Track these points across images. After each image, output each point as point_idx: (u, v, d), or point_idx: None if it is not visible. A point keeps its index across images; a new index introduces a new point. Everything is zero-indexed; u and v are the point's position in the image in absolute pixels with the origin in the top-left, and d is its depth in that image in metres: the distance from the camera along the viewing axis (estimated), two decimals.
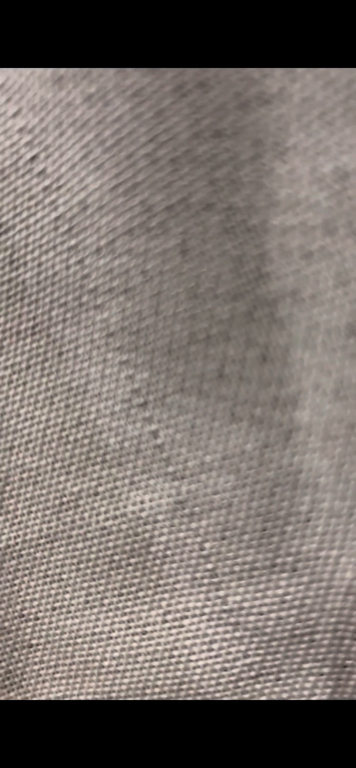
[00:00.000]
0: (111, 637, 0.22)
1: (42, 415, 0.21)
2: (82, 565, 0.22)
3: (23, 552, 0.22)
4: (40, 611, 0.22)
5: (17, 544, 0.22)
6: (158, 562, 0.21)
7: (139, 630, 0.22)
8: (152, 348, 0.19)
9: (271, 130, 0.16)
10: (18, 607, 0.23)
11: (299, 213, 0.17)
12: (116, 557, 0.21)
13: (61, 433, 0.21)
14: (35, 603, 0.22)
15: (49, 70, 0.18)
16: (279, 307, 0.17)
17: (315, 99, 0.16)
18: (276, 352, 0.18)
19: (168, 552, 0.21)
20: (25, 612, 0.23)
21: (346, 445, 0.18)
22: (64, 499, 0.21)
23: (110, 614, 0.22)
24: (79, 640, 0.22)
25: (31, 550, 0.22)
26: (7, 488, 0.22)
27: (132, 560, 0.21)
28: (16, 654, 0.23)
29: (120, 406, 0.20)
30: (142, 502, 0.21)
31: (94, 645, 0.22)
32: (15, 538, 0.22)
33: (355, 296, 0.17)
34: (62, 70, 0.18)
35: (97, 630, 0.22)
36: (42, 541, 0.22)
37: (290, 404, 0.18)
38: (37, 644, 0.23)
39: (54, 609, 0.22)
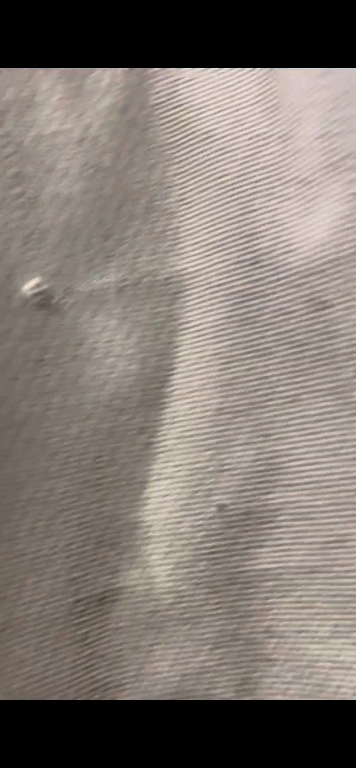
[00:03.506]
0: (352, 668, 0.23)
1: (325, 462, 0.23)
2: (337, 599, 0.23)
3: (281, 577, 0.24)
4: (286, 632, 0.24)
5: (278, 568, 0.24)
6: None
7: None
8: None
9: None
10: (265, 624, 0.24)
11: None
12: None
13: (340, 481, 0.23)
14: (282, 624, 0.24)
15: None
16: None
17: None
18: None
19: None
20: (271, 629, 0.24)
21: None
22: (332, 539, 0.23)
23: (355, 647, 0.23)
24: (318, 665, 0.24)
25: (290, 576, 0.24)
26: (279, 518, 0.24)
27: None
28: (254, 664, 0.25)
29: None
30: None
31: (332, 672, 0.24)
32: (277, 563, 0.24)
33: None
34: None
35: (339, 659, 0.24)
36: (302, 570, 0.24)
37: None
38: (277, 659, 0.24)
39: (300, 632, 0.24)
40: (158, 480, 0.25)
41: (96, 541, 0.25)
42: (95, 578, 0.25)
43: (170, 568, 0.25)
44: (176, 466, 0.25)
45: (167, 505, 0.25)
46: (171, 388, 0.25)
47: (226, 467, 0.25)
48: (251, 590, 0.24)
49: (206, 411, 0.25)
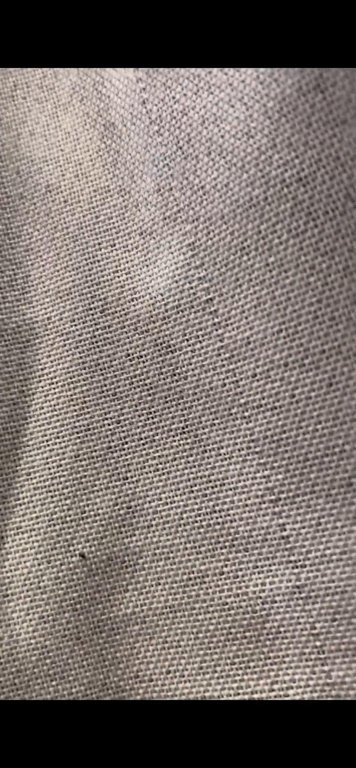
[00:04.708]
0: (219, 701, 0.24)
1: (181, 501, 0.24)
2: (200, 635, 0.24)
3: (147, 619, 0.24)
4: (155, 674, 0.24)
5: (143, 611, 0.24)
6: (270, 637, 0.23)
7: (247, 697, 0.23)
8: (289, 456, 0.22)
9: None
10: (135, 669, 0.24)
11: None
12: (233, 630, 0.23)
13: (196, 518, 0.24)
14: (151, 666, 0.24)
15: (235, 239, 0.22)
16: None
17: None
18: None
19: (281, 629, 0.23)
20: (140, 674, 0.24)
21: None
22: (192, 576, 0.24)
23: (221, 681, 0.24)
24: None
25: (155, 618, 0.24)
26: (140, 561, 0.24)
27: (247, 634, 0.23)
28: None
29: (253, 500, 0.23)
30: (263, 584, 0.23)
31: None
32: (141, 606, 0.24)
33: None
34: (246, 243, 0.22)
35: (207, 695, 0.24)
36: (166, 610, 0.24)
37: None
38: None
39: (168, 672, 0.24)
40: (17, 534, 0.25)
41: None
42: None
43: (34, 624, 0.24)
44: (34, 518, 0.24)
45: (27, 558, 0.24)
46: (26, 438, 0.25)
47: (86, 514, 0.24)
48: (118, 636, 0.24)
49: (63, 459, 0.24)
